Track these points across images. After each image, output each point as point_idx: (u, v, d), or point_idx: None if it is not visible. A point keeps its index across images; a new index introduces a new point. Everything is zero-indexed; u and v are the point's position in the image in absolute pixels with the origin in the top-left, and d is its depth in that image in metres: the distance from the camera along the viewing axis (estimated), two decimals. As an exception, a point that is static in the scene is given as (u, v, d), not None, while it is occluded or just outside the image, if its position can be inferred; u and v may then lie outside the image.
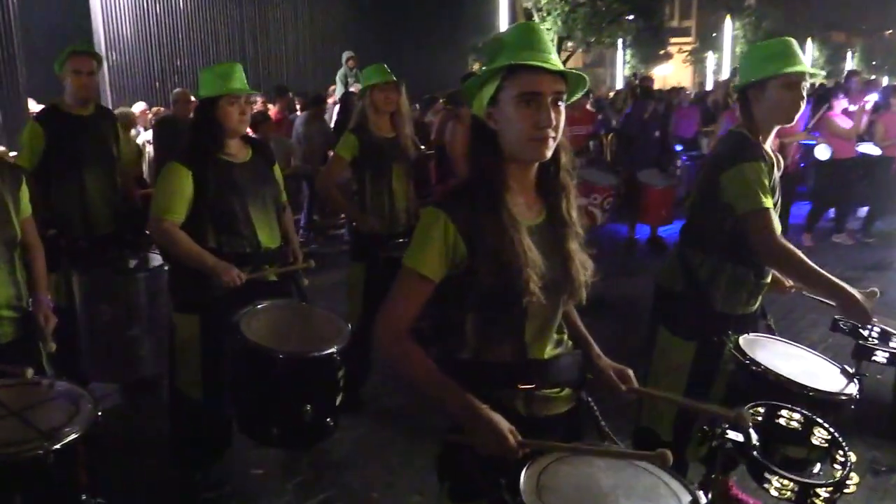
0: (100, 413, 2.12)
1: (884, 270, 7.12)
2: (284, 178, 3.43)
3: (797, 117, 2.45)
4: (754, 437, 1.52)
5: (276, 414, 2.72)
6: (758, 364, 2.24)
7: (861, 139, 8.20)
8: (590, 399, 1.87)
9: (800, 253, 2.41)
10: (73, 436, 1.97)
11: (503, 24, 9.30)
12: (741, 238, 2.46)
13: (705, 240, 2.58)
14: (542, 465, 1.54)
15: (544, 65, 1.57)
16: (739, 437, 1.53)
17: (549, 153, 1.63)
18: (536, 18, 19.05)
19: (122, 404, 4.32)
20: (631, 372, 1.83)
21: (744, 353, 2.29)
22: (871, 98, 8.35)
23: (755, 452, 1.51)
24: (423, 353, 1.66)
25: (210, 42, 11.51)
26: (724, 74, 21.57)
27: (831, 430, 1.56)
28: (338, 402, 2.78)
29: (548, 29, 19.41)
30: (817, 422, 1.60)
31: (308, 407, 2.65)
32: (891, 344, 2.44)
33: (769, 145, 2.54)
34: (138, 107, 8.38)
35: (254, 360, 2.70)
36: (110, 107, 9.72)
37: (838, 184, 7.94)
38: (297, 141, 8.40)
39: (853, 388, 2.22)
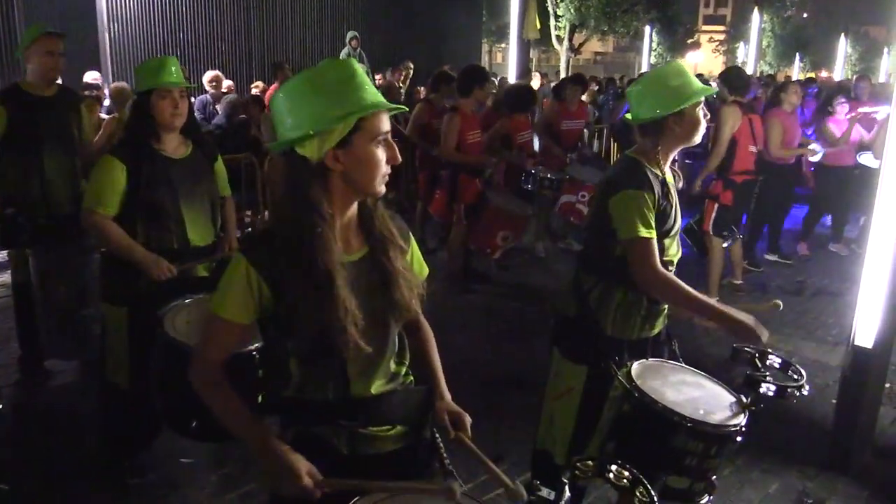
0: (0, 406, 2.13)
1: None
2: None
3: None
4: (566, 495, 1.49)
5: (195, 408, 2.73)
6: (641, 392, 2.18)
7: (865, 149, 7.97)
8: (437, 435, 1.83)
9: (677, 281, 2.37)
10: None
11: (514, 4, 9.16)
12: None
13: (597, 264, 2.53)
14: None
15: (390, 106, 1.59)
16: (551, 496, 1.51)
17: None
18: (550, 5, 18.85)
19: (75, 382, 4.36)
20: (468, 418, 1.76)
21: (630, 380, 2.24)
22: (882, 110, 7.95)
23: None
24: (232, 393, 1.67)
25: (214, 15, 11.40)
26: (751, 66, 21.07)
27: (651, 492, 1.53)
28: (259, 398, 2.80)
29: (560, 15, 19.26)
30: (642, 482, 1.56)
31: (225, 403, 2.68)
32: (789, 373, 2.37)
33: (668, 164, 2.51)
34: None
35: (172, 354, 2.72)
36: (110, 79, 9.77)
37: (835, 191, 7.71)
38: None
39: (740, 420, 2.16)
